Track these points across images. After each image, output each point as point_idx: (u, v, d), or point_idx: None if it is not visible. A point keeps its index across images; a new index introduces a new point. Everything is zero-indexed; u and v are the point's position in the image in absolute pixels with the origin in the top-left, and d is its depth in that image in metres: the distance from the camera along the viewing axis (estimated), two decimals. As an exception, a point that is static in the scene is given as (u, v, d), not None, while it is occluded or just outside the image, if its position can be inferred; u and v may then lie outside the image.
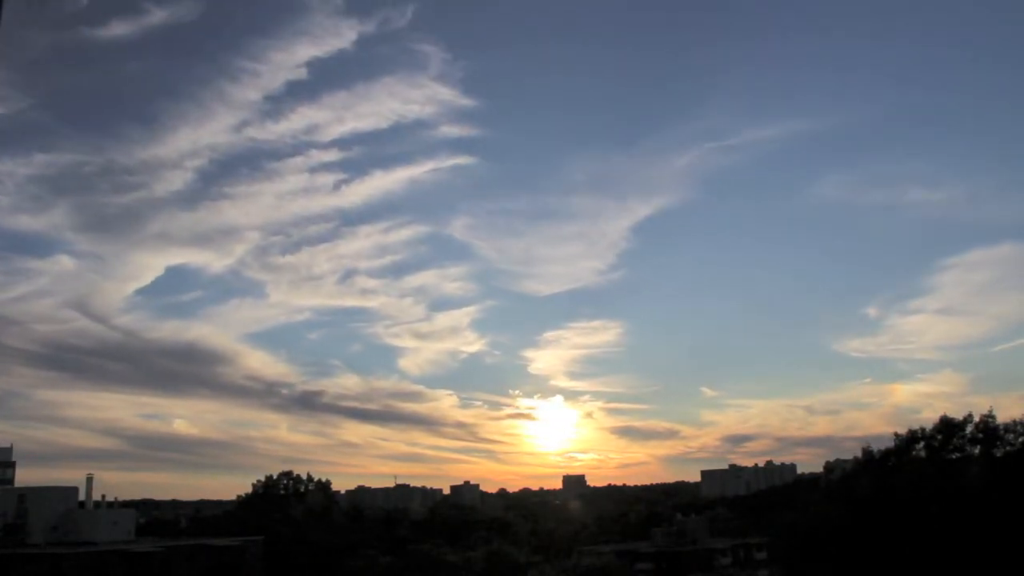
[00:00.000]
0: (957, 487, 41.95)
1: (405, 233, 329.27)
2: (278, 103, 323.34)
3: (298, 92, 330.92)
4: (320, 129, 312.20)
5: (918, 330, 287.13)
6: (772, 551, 79.71)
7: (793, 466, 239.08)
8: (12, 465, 72.94)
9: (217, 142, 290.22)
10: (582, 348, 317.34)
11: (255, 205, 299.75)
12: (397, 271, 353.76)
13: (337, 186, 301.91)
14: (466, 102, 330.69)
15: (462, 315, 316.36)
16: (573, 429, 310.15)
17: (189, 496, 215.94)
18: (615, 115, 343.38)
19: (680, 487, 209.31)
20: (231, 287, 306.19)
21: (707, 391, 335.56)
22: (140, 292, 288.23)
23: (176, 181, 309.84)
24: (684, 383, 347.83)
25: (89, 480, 64.00)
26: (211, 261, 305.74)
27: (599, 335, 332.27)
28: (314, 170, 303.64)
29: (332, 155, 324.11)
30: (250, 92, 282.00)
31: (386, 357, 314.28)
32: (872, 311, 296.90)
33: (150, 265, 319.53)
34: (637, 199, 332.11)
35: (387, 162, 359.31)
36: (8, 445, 75.35)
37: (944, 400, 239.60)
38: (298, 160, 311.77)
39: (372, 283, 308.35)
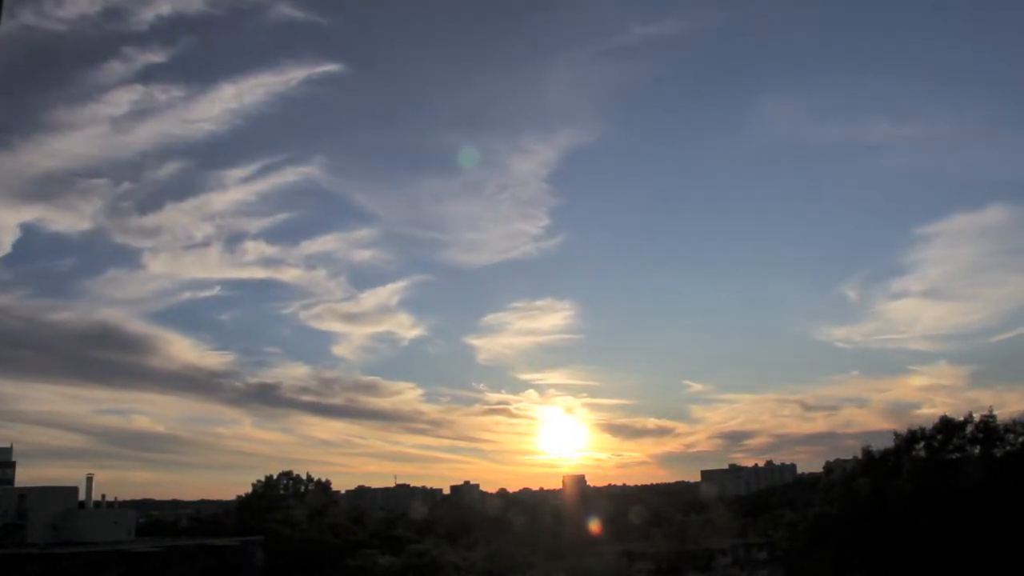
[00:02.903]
0: (957, 487, 41.95)
1: (284, 180, 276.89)
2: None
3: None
4: (124, 12, 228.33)
5: (907, 318, 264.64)
6: (772, 551, 79.70)
7: (793, 466, 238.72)
8: (12, 465, 72.99)
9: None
10: (531, 335, 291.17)
11: (82, 137, 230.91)
12: (291, 235, 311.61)
13: (182, 106, 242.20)
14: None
15: (388, 293, 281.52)
16: (559, 426, 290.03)
17: (189, 496, 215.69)
18: (459, 7, 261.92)
19: (680, 487, 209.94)
20: (98, 255, 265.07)
21: (692, 385, 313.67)
22: (5, 262, 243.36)
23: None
24: (663, 376, 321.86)
25: (89, 480, 64.04)
26: (60, 221, 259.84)
27: (547, 318, 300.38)
28: (144, 79, 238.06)
29: (157, 55, 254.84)
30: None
31: (316, 343, 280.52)
32: (851, 293, 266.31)
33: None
34: (533, 137, 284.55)
35: (232, 67, 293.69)
36: (8, 445, 75.47)
37: (944, 395, 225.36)
38: (116, 66, 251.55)
39: (268, 250, 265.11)
